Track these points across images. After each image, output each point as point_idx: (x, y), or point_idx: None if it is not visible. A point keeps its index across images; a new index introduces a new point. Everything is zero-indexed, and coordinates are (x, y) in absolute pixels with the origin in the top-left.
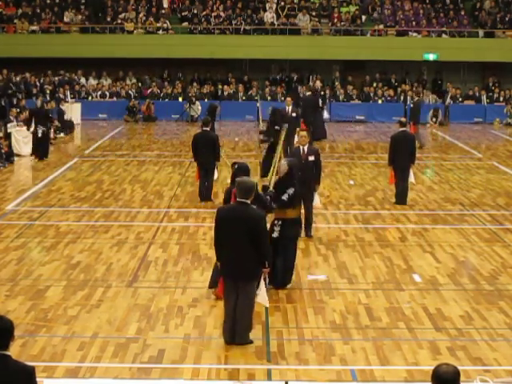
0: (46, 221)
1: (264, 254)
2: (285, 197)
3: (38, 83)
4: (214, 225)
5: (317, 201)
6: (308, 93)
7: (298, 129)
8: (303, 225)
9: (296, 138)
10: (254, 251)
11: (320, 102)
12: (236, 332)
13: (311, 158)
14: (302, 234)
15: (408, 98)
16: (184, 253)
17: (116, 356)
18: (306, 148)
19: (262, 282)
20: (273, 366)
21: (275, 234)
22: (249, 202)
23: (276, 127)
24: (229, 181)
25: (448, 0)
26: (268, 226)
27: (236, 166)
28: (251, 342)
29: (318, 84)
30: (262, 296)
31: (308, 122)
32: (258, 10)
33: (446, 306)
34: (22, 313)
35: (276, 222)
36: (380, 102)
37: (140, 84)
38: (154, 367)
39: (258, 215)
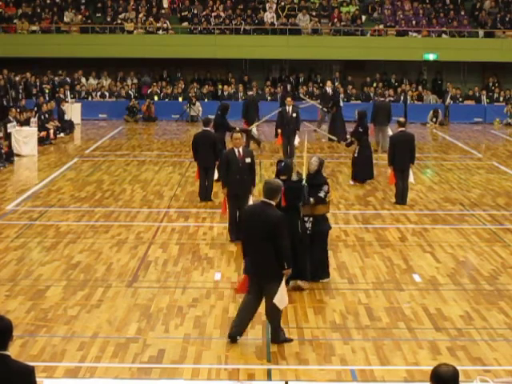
0: (46, 221)
1: (282, 256)
2: (322, 194)
3: (37, 83)
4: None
5: (250, 201)
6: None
7: (232, 133)
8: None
9: (297, 138)
10: (275, 253)
11: (341, 102)
12: (271, 333)
13: (248, 160)
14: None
15: (408, 97)
16: (184, 253)
17: (116, 356)
18: (241, 150)
19: (283, 284)
20: (273, 365)
21: (309, 231)
22: (273, 202)
23: (360, 129)
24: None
25: (448, 0)
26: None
27: (282, 164)
28: (290, 340)
29: (329, 84)
30: (279, 298)
31: (250, 122)
32: (257, 10)
33: (445, 306)
34: (22, 313)
35: (307, 218)
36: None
37: (138, 81)
38: (154, 367)
39: (277, 216)
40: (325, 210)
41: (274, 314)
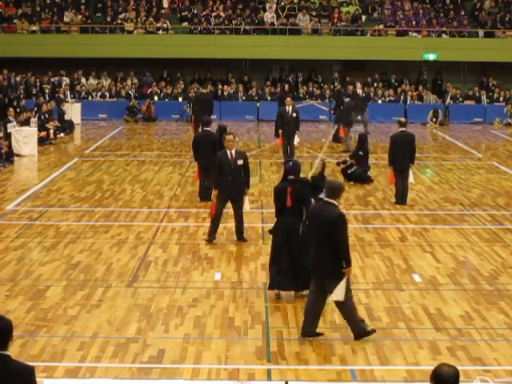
0: (46, 221)
1: (341, 254)
2: (323, 195)
3: (37, 83)
4: None
5: (246, 204)
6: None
7: (225, 135)
8: (235, 229)
9: (297, 139)
10: (334, 251)
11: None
12: (352, 330)
13: (240, 162)
14: (234, 237)
15: (408, 97)
16: (184, 253)
17: (116, 356)
18: (233, 152)
19: (343, 281)
20: (273, 365)
21: None
22: (335, 202)
23: (360, 153)
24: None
25: (448, 0)
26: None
27: (290, 164)
28: (368, 332)
29: (359, 86)
30: (337, 291)
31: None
32: (257, 10)
33: (446, 305)
34: (22, 313)
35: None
36: (380, 102)
37: (138, 81)
38: (154, 367)
39: (337, 215)
40: None
41: (344, 311)
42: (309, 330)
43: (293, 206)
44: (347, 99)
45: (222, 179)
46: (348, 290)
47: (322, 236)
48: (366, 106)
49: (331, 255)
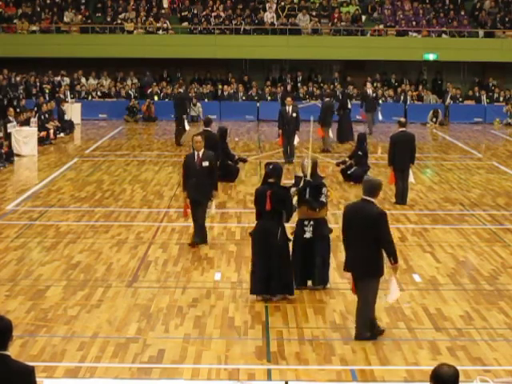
0: (46, 221)
1: (388, 251)
2: (323, 198)
3: (37, 83)
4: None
5: (212, 208)
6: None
7: (193, 136)
8: (194, 233)
9: (297, 139)
10: (377, 248)
11: (349, 103)
12: (356, 328)
13: (205, 164)
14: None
15: (408, 97)
16: (184, 253)
17: (116, 356)
18: (201, 153)
19: (394, 279)
20: (273, 366)
21: (308, 235)
22: (374, 200)
23: (359, 153)
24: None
25: (448, 0)
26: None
27: (270, 167)
28: (371, 336)
29: (369, 86)
30: (393, 291)
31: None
32: (257, 10)
33: (445, 306)
34: (22, 313)
35: (307, 222)
36: (380, 102)
37: (138, 81)
38: (154, 367)
39: (378, 213)
40: (324, 213)
41: (364, 310)
42: (370, 331)
43: (272, 210)
44: (327, 99)
45: (188, 182)
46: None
47: (360, 234)
48: (376, 106)
49: (370, 253)
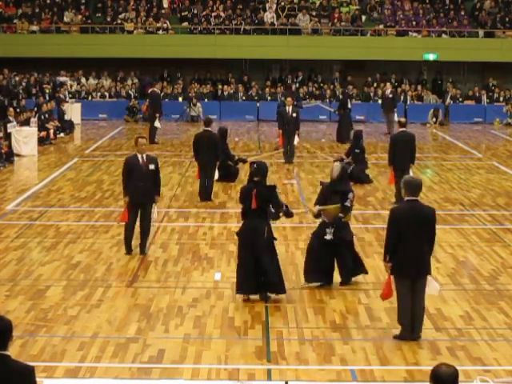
0: (46, 221)
1: (432, 247)
2: (348, 203)
3: (37, 83)
4: (387, 226)
5: (155, 213)
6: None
7: (137, 137)
8: (140, 241)
9: (297, 139)
10: (428, 247)
11: (349, 102)
12: (415, 326)
13: (151, 167)
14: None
15: (408, 97)
16: (184, 253)
17: (116, 356)
18: (145, 156)
19: (431, 276)
20: (273, 366)
21: (328, 237)
22: (418, 198)
23: (356, 150)
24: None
25: (448, 0)
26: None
27: (255, 166)
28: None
29: (389, 86)
30: (432, 286)
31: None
32: (257, 10)
33: (445, 305)
34: (22, 313)
35: (330, 226)
36: (380, 101)
37: (138, 81)
38: (154, 367)
39: (434, 210)
40: (348, 217)
41: (423, 307)
42: (415, 331)
43: (258, 208)
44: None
45: (131, 185)
46: None
47: (417, 235)
48: (394, 106)
49: (424, 252)
